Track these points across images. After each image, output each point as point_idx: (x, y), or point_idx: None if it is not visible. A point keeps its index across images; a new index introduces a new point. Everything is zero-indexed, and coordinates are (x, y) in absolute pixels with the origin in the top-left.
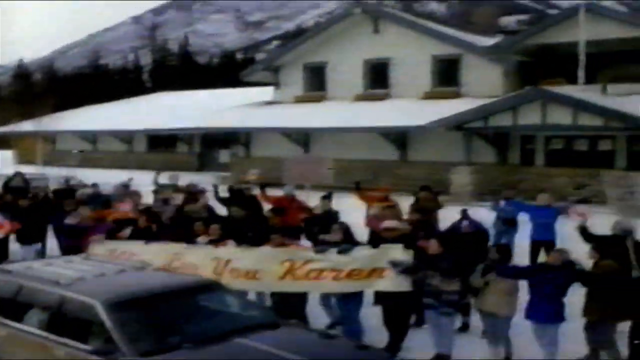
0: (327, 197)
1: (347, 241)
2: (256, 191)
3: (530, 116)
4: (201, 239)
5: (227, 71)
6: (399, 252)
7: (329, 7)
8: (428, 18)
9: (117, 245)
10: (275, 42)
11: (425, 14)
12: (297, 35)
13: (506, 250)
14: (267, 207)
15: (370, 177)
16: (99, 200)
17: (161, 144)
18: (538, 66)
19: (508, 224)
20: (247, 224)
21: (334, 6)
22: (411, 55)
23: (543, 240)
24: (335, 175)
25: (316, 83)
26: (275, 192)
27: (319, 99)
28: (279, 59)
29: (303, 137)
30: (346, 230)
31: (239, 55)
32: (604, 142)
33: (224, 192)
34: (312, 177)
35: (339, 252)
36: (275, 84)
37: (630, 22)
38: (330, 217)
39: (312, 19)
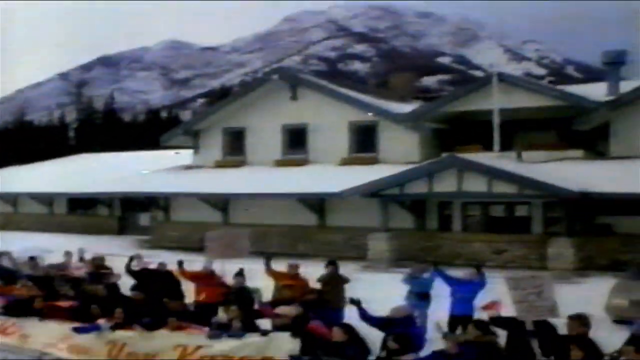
0: (240, 274)
1: (247, 323)
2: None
3: (446, 184)
4: (102, 322)
5: (152, 129)
6: (287, 341)
7: (254, 66)
8: (352, 76)
9: (9, 322)
10: (200, 100)
11: (350, 72)
12: (222, 93)
13: (405, 339)
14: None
15: (288, 242)
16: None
17: (82, 207)
18: (454, 133)
19: (421, 298)
20: (145, 307)
21: (259, 65)
22: (329, 121)
23: (462, 315)
24: (255, 240)
25: (235, 148)
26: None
27: (238, 164)
28: (199, 123)
29: (222, 203)
30: (247, 311)
31: (164, 113)
32: (520, 209)
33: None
34: (232, 252)
35: (230, 337)
36: (195, 148)
37: (541, 91)
38: (244, 294)
39: (238, 77)
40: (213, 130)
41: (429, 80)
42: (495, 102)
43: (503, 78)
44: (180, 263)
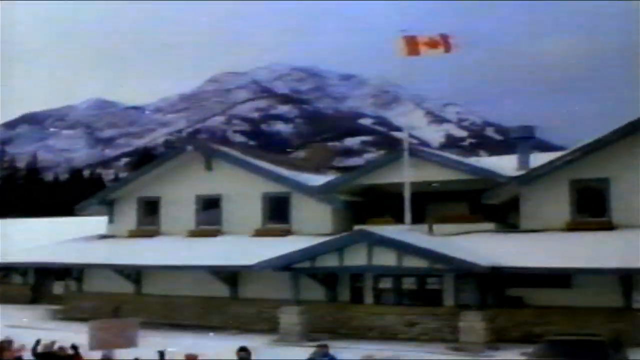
0: None
1: None
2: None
3: (356, 258)
4: None
5: (75, 188)
6: None
7: (178, 126)
8: (275, 137)
9: None
10: (124, 159)
11: (273, 133)
12: (146, 153)
13: None
14: None
15: (200, 314)
16: None
17: None
18: (367, 205)
19: None
20: None
21: (184, 124)
22: (242, 192)
23: None
24: (167, 311)
25: (150, 217)
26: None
27: (152, 234)
28: (114, 192)
29: (135, 274)
30: None
31: (87, 172)
32: (432, 281)
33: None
34: (118, 341)
35: None
36: (110, 217)
37: (452, 166)
38: None
39: (162, 137)
40: (128, 199)
41: (351, 142)
42: (406, 176)
43: (414, 152)
44: (75, 348)
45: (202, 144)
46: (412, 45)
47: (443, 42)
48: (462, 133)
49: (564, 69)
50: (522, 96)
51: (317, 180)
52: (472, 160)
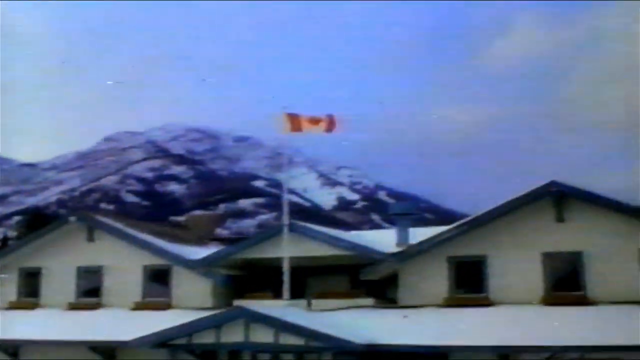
0: None
1: None
2: None
3: (234, 334)
4: None
5: None
6: None
7: (73, 184)
8: (168, 197)
9: None
10: (16, 217)
11: (167, 193)
12: (37, 212)
13: None
14: None
15: None
16: None
17: None
18: (248, 279)
19: None
20: None
21: (78, 183)
22: (123, 264)
23: None
24: None
25: (31, 289)
26: None
27: (32, 306)
28: None
29: (12, 347)
30: None
31: None
32: (309, 358)
33: None
34: None
35: None
36: None
37: (329, 242)
38: None
39: (55, 196)
40: (9, 269)
41: (245, 203)
42: (285, 252)
43: (293, 228)
44: None
45: (85, 214)
46: (295, 122)
47: (327, 120)
48: (355, 196)
49: (464, 135)
50: (415, 160)
51: (199, 252)
52: (352, 235)
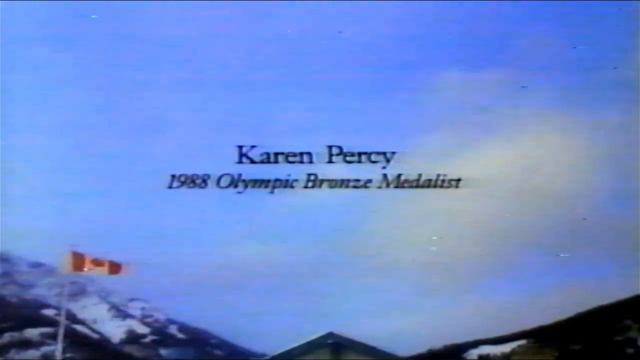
0: None
1: None
2: None
3: None
4: None
5: None
6: None
7: None
8: None
9: None
10: None
11: None
12: None
13: None
14: None
15: None
16: None
17: None
18: None
19: None
20: None
21: None
22: None
23: None
24: None
25: None
26: None
27: None
28: None
29: None
30: None
31: None
32: None
33: None
34: None
35: None
36: None
37: None
38: None
39: None
40: None
41: (32, 333)
42: None
43: None
44: None
45: None
46: (78, 261)
47: (109, 265)
48: (145, 329)
49: (260, 272)
50: (209, 294)
51: None
52: None
